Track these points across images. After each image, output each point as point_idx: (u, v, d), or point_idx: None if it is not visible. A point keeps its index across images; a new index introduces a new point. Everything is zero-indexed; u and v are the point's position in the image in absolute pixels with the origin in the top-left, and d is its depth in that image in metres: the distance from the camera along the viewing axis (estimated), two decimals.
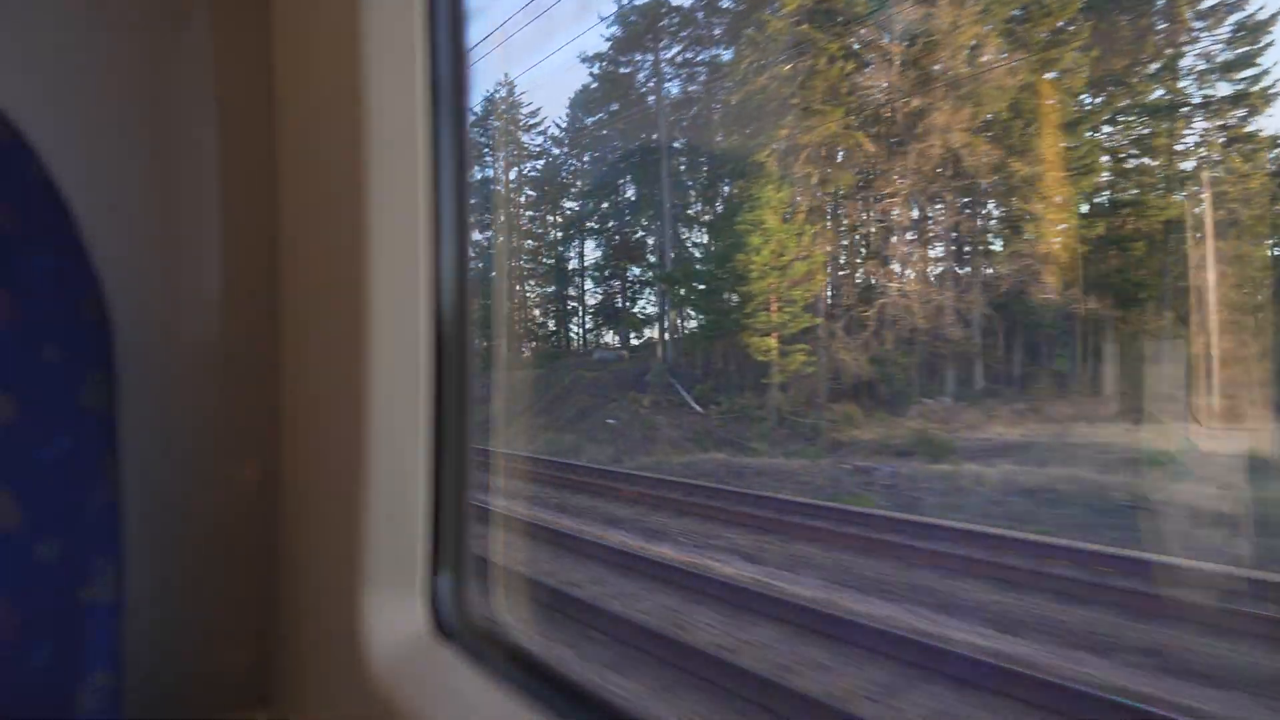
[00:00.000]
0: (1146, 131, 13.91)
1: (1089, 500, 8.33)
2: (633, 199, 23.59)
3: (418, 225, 0.95)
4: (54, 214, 0.84)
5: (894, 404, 13.89)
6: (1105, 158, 14.42)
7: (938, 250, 16.12)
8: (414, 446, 0.94)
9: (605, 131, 23.95)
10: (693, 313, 19.14)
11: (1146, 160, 14.08)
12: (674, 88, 21.27)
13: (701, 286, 17.91)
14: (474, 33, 1.10)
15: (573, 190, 25.54)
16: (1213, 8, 13.17)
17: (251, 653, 1.08)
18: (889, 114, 15.18)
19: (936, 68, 14.58)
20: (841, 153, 15.95)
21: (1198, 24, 13.31)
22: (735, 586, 5.49)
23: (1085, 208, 14.51)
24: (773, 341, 15.23)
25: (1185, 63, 13.40)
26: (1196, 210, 12.45)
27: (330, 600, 0.96)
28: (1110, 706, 3.56)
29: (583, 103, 24.08)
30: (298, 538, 1.04)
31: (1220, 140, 13.03)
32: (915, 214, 15.96)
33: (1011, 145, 14.07)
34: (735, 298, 16.21)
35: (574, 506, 9.03)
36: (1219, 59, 13.04)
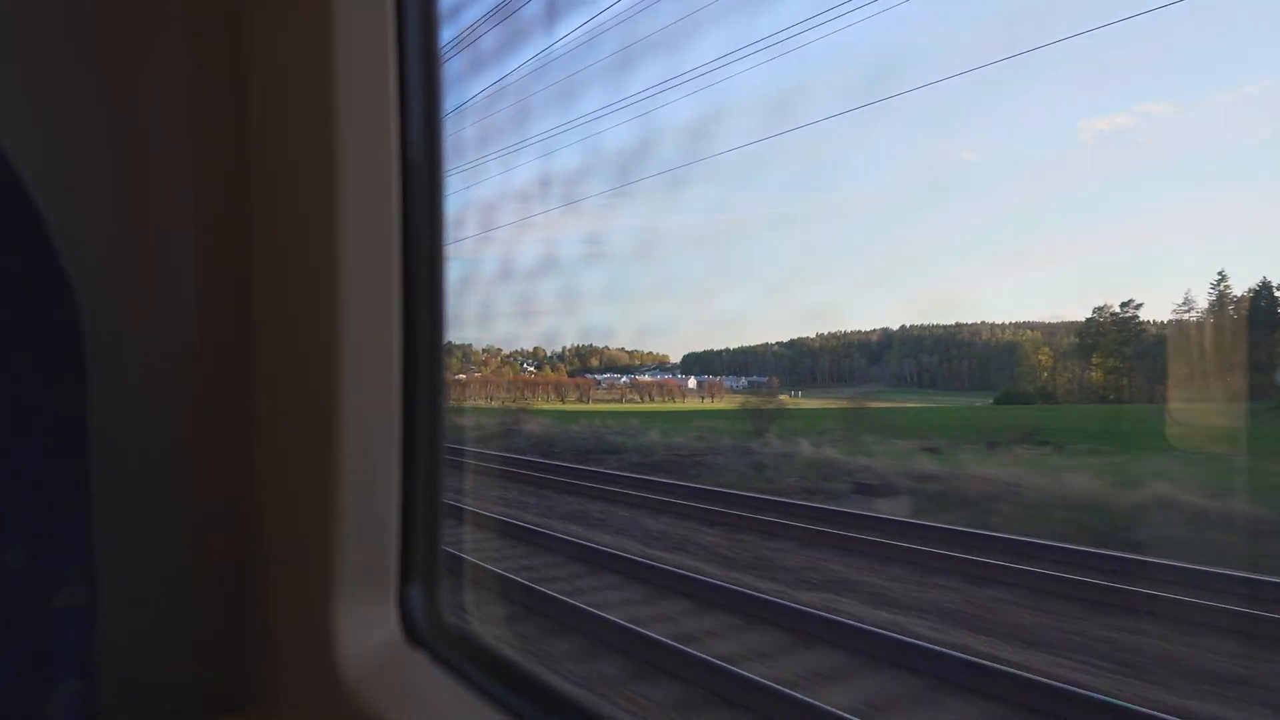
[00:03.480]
0: None
1: None
2: None
3: (390, 230, 1.02)
4: (22, 217, 0.88)
5: None
6: None
7: None
8: (387, 453, 1.00)
9: None
10: None
11: None
12: None
13: None
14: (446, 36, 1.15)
15: None
16: None
17: (224, 660, 1.12)
18: None
19: None
20: None
21: None
22: None
23: None
24: None
25: None
26: None
27: (303, 607, 1.01)
28: None
29: None
30: (271, 545, 1.09)
31: None
32: None
33: None
34: None
35: None
36: None
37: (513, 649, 1.03)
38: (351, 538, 0.98)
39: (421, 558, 1.03)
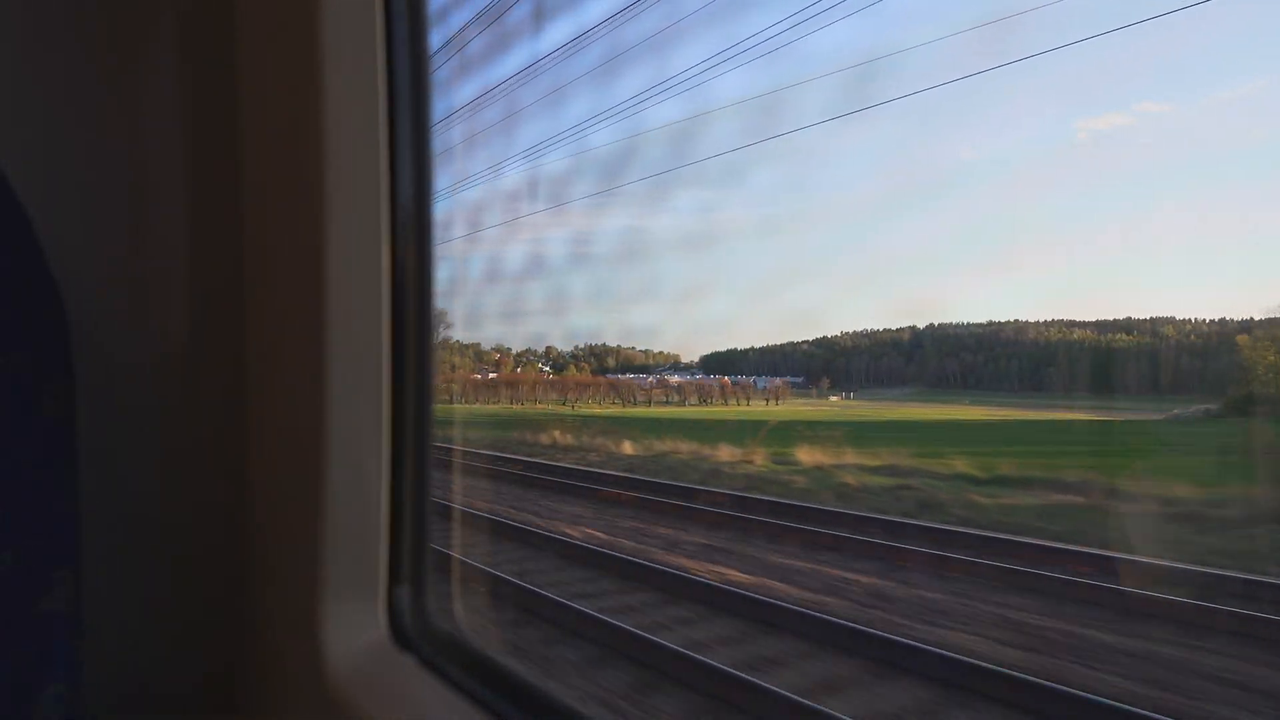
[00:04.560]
0: None
1: None
2: None
3: (378, 233, 1.05)
4: (11, 221, 0.92)
5: None
6: None
7: None
8: (375, 455, 1.03)
9: None
10: None
11: None
12: None
13: None
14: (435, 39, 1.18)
15: None
16: None
17: (213, 662, 1.16)
18: None
19: None
20: None
21: None
22: None
23: None
24: None
25: None
26: None
27: (291, 610, 1.04)
28: None
29: None
30: (260, 548, 1.13)
31: None
32: None
33: None
34: None
35: None
36: None
37: (500, 653, 1.06)
38: (340, 540, 1.01)
39: (410, 561, 1.06)
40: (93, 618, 0.97)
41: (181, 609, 1.15)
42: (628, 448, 15.38)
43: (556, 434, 17.11)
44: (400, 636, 1.04)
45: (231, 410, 1.15)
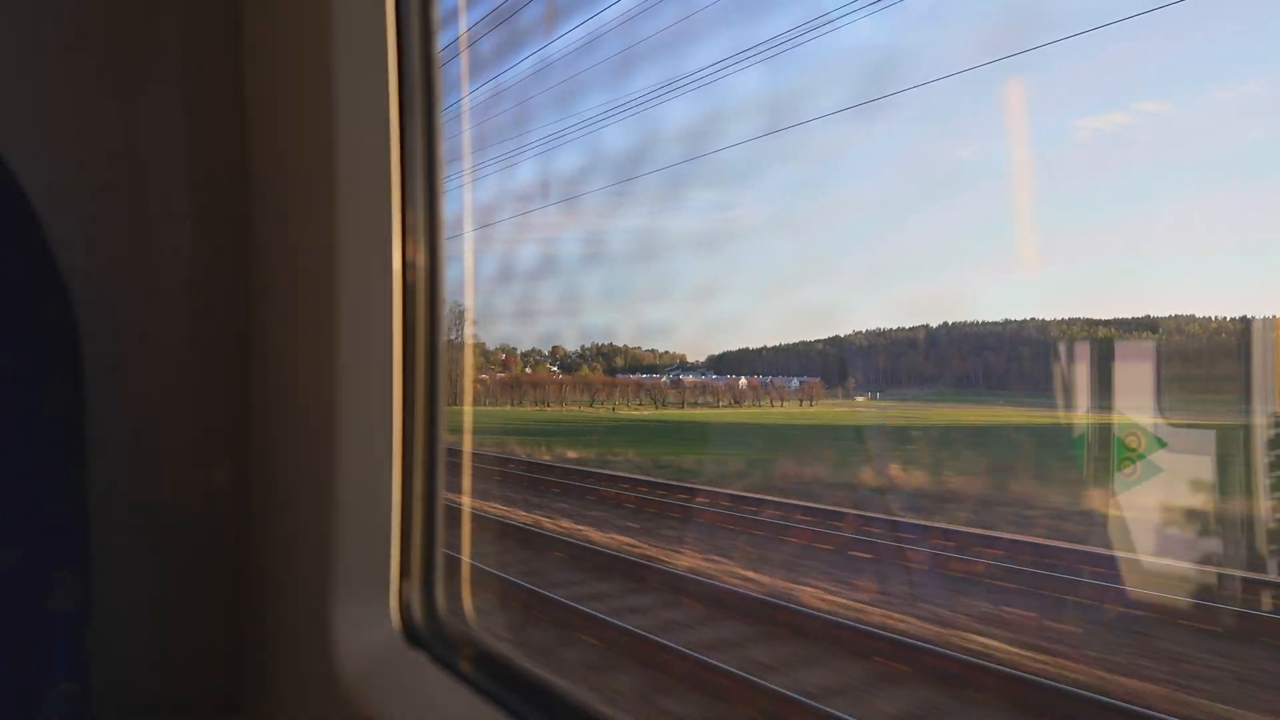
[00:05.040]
0: None
1: None
2: None
3: (388, 231, 1.05)
4: (19, 220, 0.93)
5: None
6: None
7: None
8: (385, 454, 1.04)
9: None
10: None
11: None
12: None
13: None
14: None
15: None
16: None
17: (223, 661, 1.17)
18: None
19: None
20: None
21: None
22: None
23: None
24: None
25: None
26: None
27: (301, 607, 1.05)
28: None
29: None
30: (268, 545, 1.14)
31: None
32: None
33: None
34: None
35: None
36: None
37: (512, 649, 1.07)
38: (350, 538, 1.02)
39: (420, 558, 1.07)
40: (100, 616, 0.98)
41: (192, 607, 1.16)
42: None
43: (895, 469, 10.82)
44: (412, 634, 1.05)
45: (240, 410, 1.16)
